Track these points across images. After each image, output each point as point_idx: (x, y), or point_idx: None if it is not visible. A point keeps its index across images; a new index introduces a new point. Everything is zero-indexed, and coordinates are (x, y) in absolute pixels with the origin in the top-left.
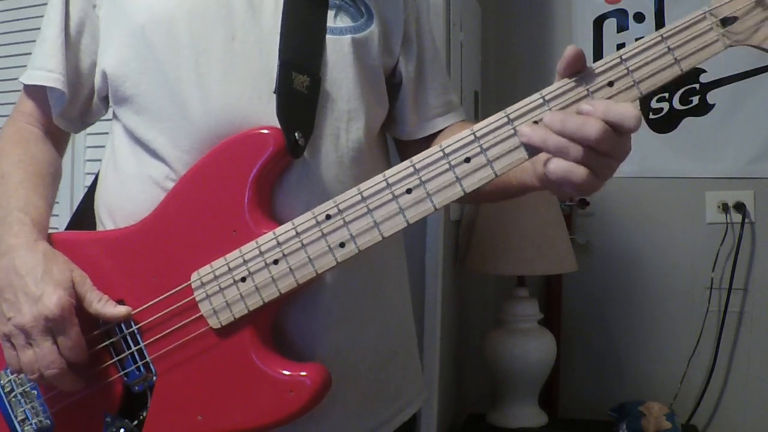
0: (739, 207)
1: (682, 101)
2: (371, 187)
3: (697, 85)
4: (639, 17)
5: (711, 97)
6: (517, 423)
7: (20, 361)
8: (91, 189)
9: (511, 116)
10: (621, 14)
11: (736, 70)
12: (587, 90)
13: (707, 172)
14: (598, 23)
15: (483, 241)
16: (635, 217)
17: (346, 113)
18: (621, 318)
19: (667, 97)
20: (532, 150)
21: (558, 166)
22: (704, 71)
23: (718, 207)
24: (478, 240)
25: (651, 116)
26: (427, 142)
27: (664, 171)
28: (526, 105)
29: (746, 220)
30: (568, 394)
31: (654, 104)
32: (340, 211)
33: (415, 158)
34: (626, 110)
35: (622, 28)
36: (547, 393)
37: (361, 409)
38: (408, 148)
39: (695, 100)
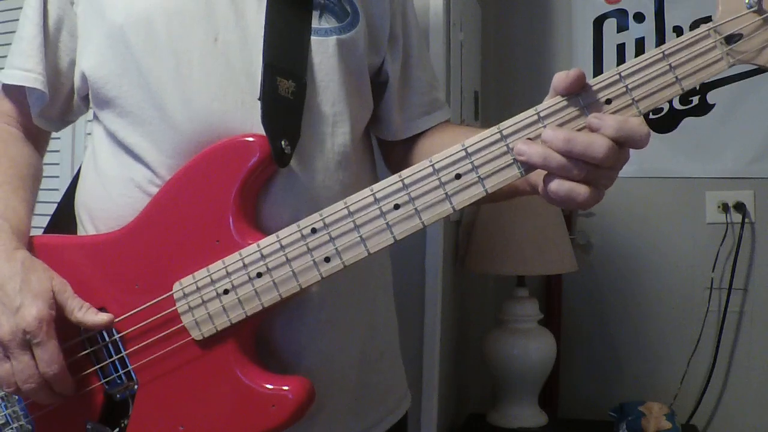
0: (739, 207)
1: (682, 101)
2: (358, 201)
3: (697, 85)
4: (639, 17)
5: (711, 97)
6: (517, 423)
7: None
8: (71, 189)
9: (505, 132)
10: (621, 14)
11: (736, 70)
12: (584, 107)
13: (707, 172)
14: (598, 23)
15: (483, 241)
16: (635, 217)
17: (331, 117)
18: (621, 318)
19: None
20: (528, 167)
21: (560, 186)
22: None
23: (718, 207)
24: (478, 240)
25: (651, 116)
26: (412, 142)
27: (664, 171)
28: (520, 121)
29: (746, 220)
30: (568, 394)
31: None
32: (325, 225)
33: (404, 173)
34: (639, 127)
35: (622, 28)
36: (547, 393)
37: (349, 414)
38: (393, 149)
39: (695, 100)
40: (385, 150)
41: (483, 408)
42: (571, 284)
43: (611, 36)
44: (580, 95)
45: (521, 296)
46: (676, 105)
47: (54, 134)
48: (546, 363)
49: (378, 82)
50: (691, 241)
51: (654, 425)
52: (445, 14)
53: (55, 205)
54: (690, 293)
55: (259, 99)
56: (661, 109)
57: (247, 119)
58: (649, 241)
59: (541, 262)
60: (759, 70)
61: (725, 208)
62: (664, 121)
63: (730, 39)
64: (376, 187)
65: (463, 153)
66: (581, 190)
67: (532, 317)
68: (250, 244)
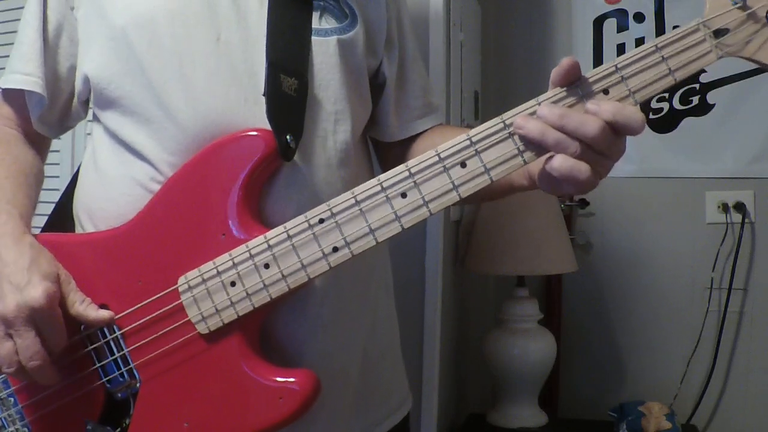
0: (739, 207)
1: (682, 101)
2: (365, 190)
3: (697, 85)
4: (639, 17)
5: (711, 97)
6: (517, 423)
7: None
8: (69, 191)
9: (507, 122)
10: (621, 14)
11: (736, 70)
12: (583, 97)
13: (707, 172)
14: (598, 23)
15: (483, 241)
16: (635, 217)
17: (333, 115)
18: (621, 318)
19: (667, 97)
20: (530, 151)
21: (564, 162)
22: (704, 71)
23: (718, 207)
24: (478, 240)
25: (651, 116)
26: (408, 144)
27: (664, 171)
28: (522, 111)
29: (746, 220)
30: (568, 394)
31: (654, 104)
32: (333, 215)
33: (411, 162)
34: (635, 113)
35: (622, 28)
36: (547, 393)
37: (350, 413)
38: (387, 150)
39: (695, 100)
40: (381, 152)
41: (483, 408)
42: (571, 284)
43: (611, 36)
44: (579, 87)
45: (521, 296)
46: (676, 105)
47: None
48: (546, 363)
49: (375, 85)
50: (691, 241)
51: (654, 425)
52: (445, 14)
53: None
54: (690, 293)
55: (263, 95)
56: (661, 109)
57: (249, 116)
58: (649, 241)
59: (541, 262)
60: (759, 71)
61: (725, 208)
62: (664, 121)
63: (718, 33)
64: (383, 176)
65: (468, 142)
66: (583, 167)
67: (532, 317)
68: (256, 236)
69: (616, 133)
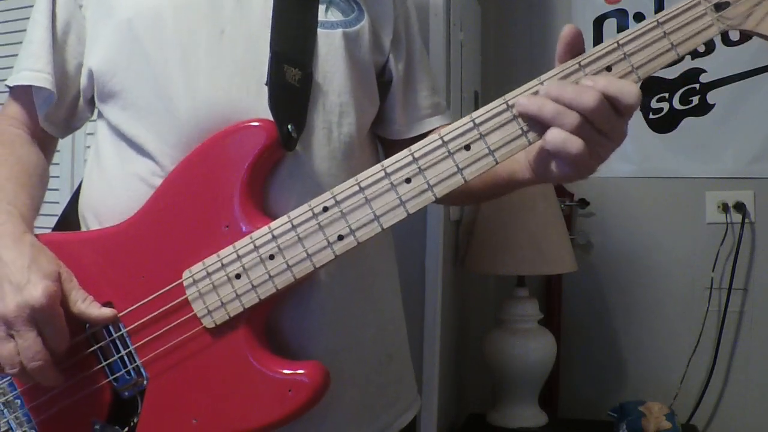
0: (739, 207)
1: (682, 101)
2: (369, 177)
3: (697, 85)
4: (639, 17)
5: (711, 97)
6: (517, 423)
7: None
8: (76, 196)
9: (510, 102)
10: (621, 14)
11: (736, 70)
12: (585, 75)
13: (707, 172)
14: (598, 23)
15: (483, 241)
16: (635, 217)
17: (337, 107)
18: (621, 318)
19: (667, 97)
20: (531, 124)
21: (556, 134)
22: (704, 71)
23: (718, 207)
24: (478, 240)
25: (651, 116)
26: (414, 142)
27: (664, 171)
28: (525, 91)
29: (746, 220)
30: (568, 394)
31: (654, 104)
32: (337, 203)
33: (414, 147)
34: (626, 85)
35: (622, 28)
36: (547, 393)
37: (359, 415)
38: (393, 148)
39: (695, 100)
40: (387, 150)
41: (483, 408)
42: (571, 284)
43: (611, 36)
44: (581, 64)
45: (521, 296)
46: (676, 105)
47: None
48: (546, 363)
49: (382, 82)
50: (691, 241)
51: (654, 425)
52: (445, 14)
53: (55, 206)
54: (690, 293)
55: (266, 84)
56: (661, 109)
57: (251, 107)
58: (649, 241)
59: (541, 262)
60: (759, 70)
61: (725, 208)
62: (664, 121)
63: (719, 6)
64: (386, 162)
65: (471, 124)
66: (576, 141)
67: (532, 317)
68: (260, 227)
69: (615, 109)
